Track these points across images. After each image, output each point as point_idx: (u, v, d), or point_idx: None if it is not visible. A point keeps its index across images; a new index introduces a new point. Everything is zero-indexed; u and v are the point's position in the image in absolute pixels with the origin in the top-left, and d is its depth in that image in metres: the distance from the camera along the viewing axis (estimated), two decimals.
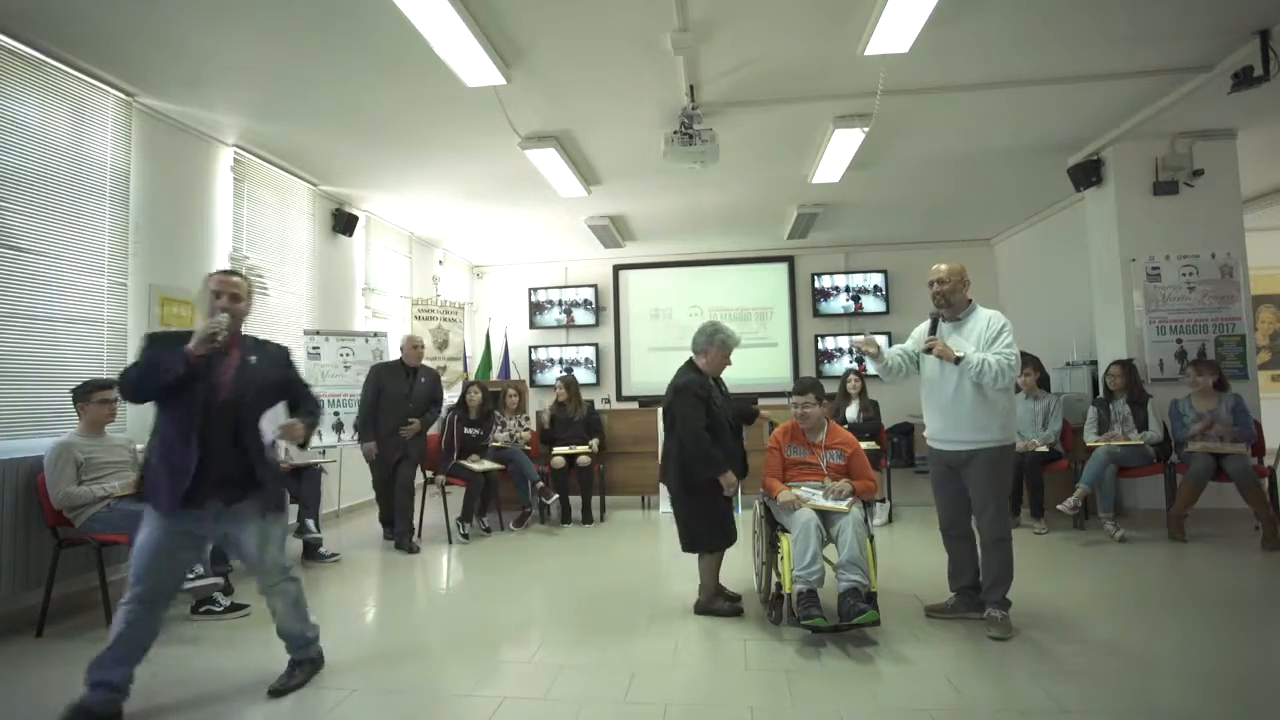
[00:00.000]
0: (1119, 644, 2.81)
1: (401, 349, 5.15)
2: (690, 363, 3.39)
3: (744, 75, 4.03)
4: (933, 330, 3.10)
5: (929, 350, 3.03)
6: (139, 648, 2.37)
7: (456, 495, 5.26)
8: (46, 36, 3.45)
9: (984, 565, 3.04)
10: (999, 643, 2.84)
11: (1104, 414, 4.88)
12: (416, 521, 5.38)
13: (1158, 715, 2.26)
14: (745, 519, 4.26)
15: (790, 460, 3.35)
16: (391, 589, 4.04)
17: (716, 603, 3.33)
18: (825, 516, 3.07)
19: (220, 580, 3.44)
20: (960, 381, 2.97)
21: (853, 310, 8.69)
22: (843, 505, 3.08)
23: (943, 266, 3.13)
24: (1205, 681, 2.48)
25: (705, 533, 3.28)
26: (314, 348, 5.51)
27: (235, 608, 3.42)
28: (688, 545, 3.32)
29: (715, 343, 3.31)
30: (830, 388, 4.55)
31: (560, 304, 9.14)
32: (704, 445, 3.17)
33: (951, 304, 3.10)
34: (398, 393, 4.99)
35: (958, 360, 2.94)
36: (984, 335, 2.98)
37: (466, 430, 5.43)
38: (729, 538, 3.32)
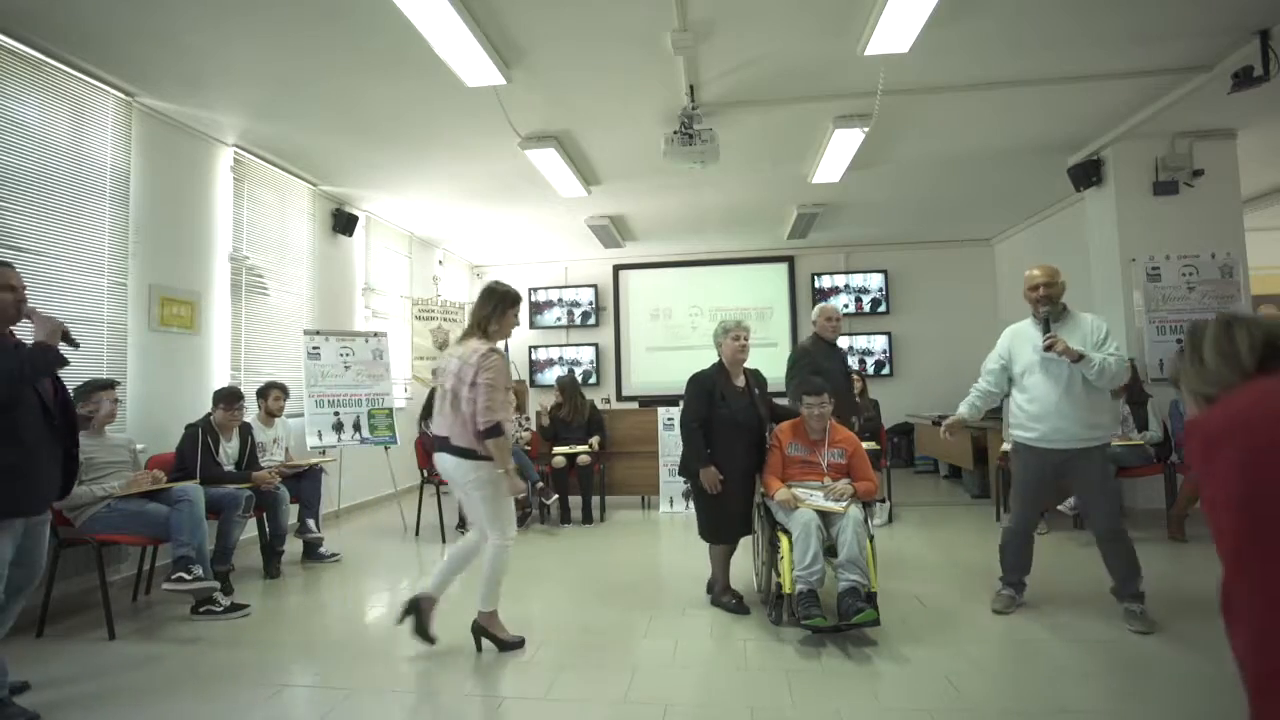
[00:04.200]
0: (1118, 643, 2.81)
1: (814, 322, 4.40)
2: (718, 361, 3.45)
3: (744, 75, 4.03)
4: (1046, 330, 3.06)
5: (1049, 348, 2.98)
6: None
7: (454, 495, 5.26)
8: (46, 36, 3.45)
9: (1110, 563, 3.05)
10: (1001, 642, 2.84)
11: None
12: (413, 520, 5.39)
13: (1157, 715, 2.26)
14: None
15: (791, 458, 3.35)
16: (391, 589, 4.04)
17: (722, 598, 3.38)
18: (825, 516, 3.07)
19: (217, 583, 3.43)
20: (1071, 381, 2.99)
21: (853, 310, 8.69)
22: (839, 506, 3.08)
23: (1037, 271, 3.13)
24: (1204, 681, 2.48)
25: (702, 521, 3.42)
26: (314, 348, 5.51)
27: (235, 607, 3.42)
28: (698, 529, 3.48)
29: (718, 337, 3.42)
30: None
31: (561, 303, 9.15)
32: (690, 438, 3.32)
33: (1056, 303, 3.10)
34: (838, 371, 4.21)
35: (1080, 358, 2.93)
36: (1090, 337, 3.01)
37: None
38: (721, 534, 3.38)
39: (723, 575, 3.41)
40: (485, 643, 2.89)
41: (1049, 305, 3.09)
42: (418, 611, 2.85)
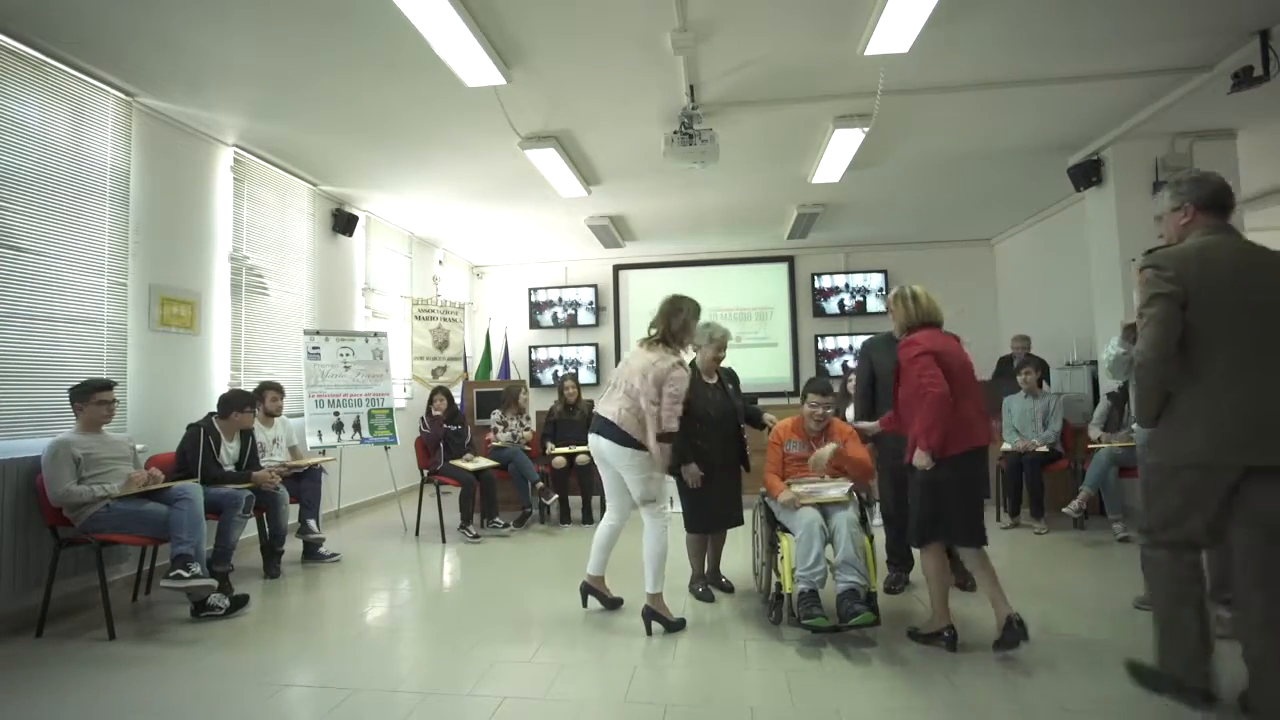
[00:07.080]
0: (1118, 642, 2.81)
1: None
2: (691, 361, 3.48)
3: (744, 75, 4.03)
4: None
5: None
6: None
7: (454, 496, 5.26)
8: (46, 36, 3.45)
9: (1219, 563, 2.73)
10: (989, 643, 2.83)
11: (1116, 414, 4.80)
12: (415, 518, 5.39)
13: (1157, 714, 2.26)
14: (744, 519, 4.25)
15: (790, 456, 3.37)
16: (391, 589, 4.04)
17: (692, 584, 3.57)
18: (826, 515, 3.08)
19: (215, 582, 3.42)
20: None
21: (853, 310, 8.69)
22: (842, 495, 3.10)
23: None
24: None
25: (685, 512, 3.52)
26: (314, 348, 5.51)
27: (236, 602, 3.43)
28: None
29: (699, 340, 3.44)
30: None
31: (561, 303, 9.15)
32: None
33: None
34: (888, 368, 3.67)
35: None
36: None
37: (446, 426, 5.51)
38: (697, 524, 3.50)
39: (697, 564, 3.59)
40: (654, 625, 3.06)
41: None
42: (593, 591, 3.28)
